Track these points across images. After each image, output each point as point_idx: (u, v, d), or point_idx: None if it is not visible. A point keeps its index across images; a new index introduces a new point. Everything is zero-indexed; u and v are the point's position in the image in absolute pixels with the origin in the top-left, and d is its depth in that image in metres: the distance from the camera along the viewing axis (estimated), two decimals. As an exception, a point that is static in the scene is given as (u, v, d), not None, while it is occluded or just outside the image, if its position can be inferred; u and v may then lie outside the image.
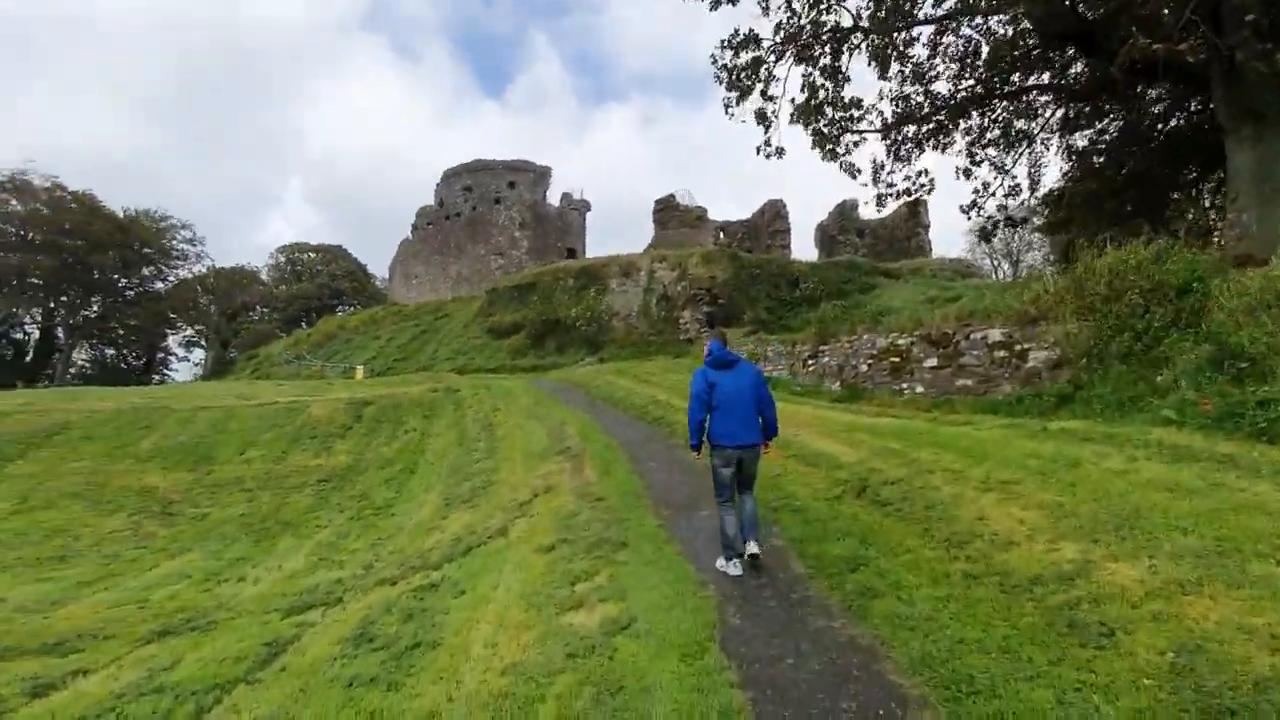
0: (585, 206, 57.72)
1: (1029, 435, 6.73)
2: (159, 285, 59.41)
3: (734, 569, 4.81)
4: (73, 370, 60.25)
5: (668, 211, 44.66)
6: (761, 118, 14.52)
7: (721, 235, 47.25)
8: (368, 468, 12.31)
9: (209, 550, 8.63)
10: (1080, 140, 19.24)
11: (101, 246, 50.47)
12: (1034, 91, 17.00)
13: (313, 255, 74.53)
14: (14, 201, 48.72)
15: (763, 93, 14.74)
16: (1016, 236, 61.07)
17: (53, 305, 55.05)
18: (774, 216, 44.83)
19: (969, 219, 18.21)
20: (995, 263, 60.72)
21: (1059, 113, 18.09)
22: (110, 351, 64.02)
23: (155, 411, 14.89)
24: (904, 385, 10.50)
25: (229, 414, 14.94)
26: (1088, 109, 17.80)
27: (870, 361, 11.43)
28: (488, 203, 49.20)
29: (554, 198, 54.98)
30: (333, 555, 7.72)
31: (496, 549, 6.68)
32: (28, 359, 56.94)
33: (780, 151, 14.77)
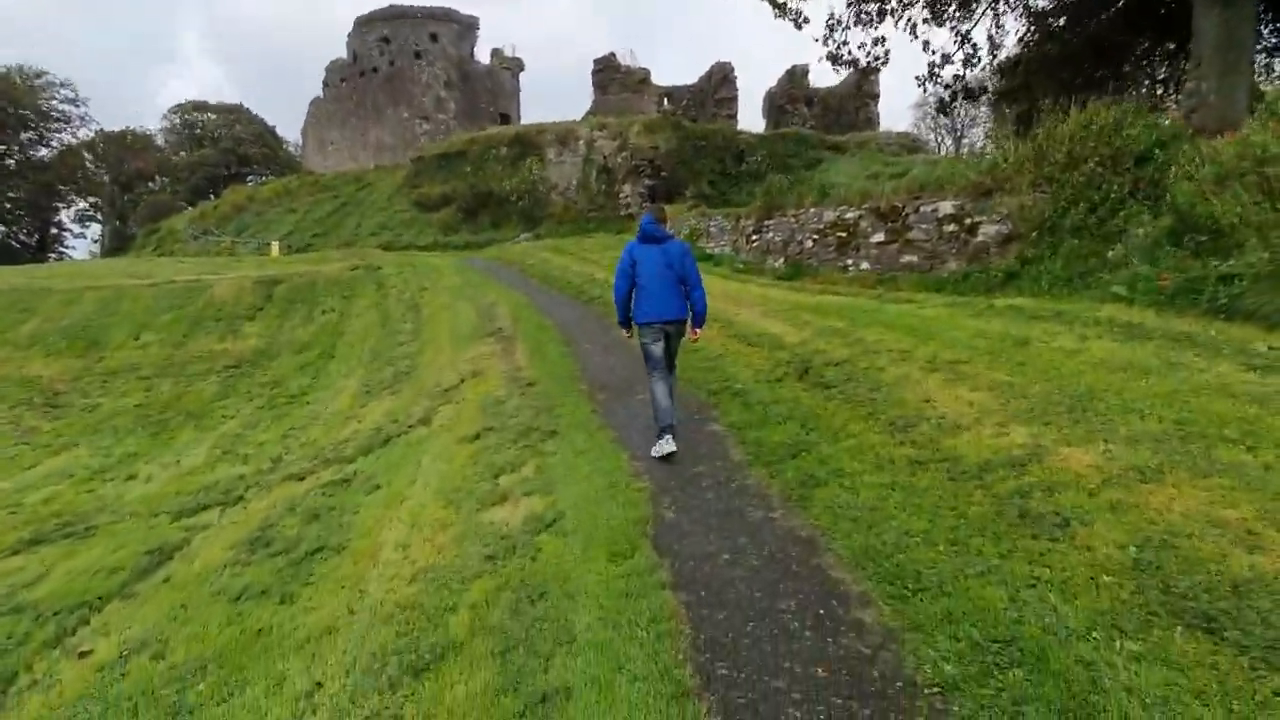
0: (518, 65, 52.76)
1: (975, 314, 6.51)
2: (42, 152, 52.29)
3: (668, 444, 4.60)
4: (-50, 248, 53.84)
5: (608, 73, 41.28)
6: None
7: (666, 102, 44.33)
8: (280, 352, 11.38)
9: (98, 445, 7.82)
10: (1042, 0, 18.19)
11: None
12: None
13: (213, 117, 66.48)
14: None
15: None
16: (962, 111, 60.30)
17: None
18: (721, 81, 42.14)
19: (924, 90, 17.27)
20: (939, 138, 60.11)
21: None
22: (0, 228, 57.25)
23: (35, 294, 13.16)
24: (850, 262, 10.14)
25: (120, 294, 13.36)
26: None
27: (816, 237, 10.96)
28: (407, 56, 44.19)
29: (483, 55, 49.92)
30: (237, 448, 7.09)
31: (417, 439, 6.20)
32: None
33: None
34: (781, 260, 11.72)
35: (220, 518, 4.96)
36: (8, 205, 52.46)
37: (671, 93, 45.17)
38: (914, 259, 9.04)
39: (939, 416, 4.29)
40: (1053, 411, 3.96)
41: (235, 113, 66.39)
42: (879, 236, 9.61)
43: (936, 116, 62.06)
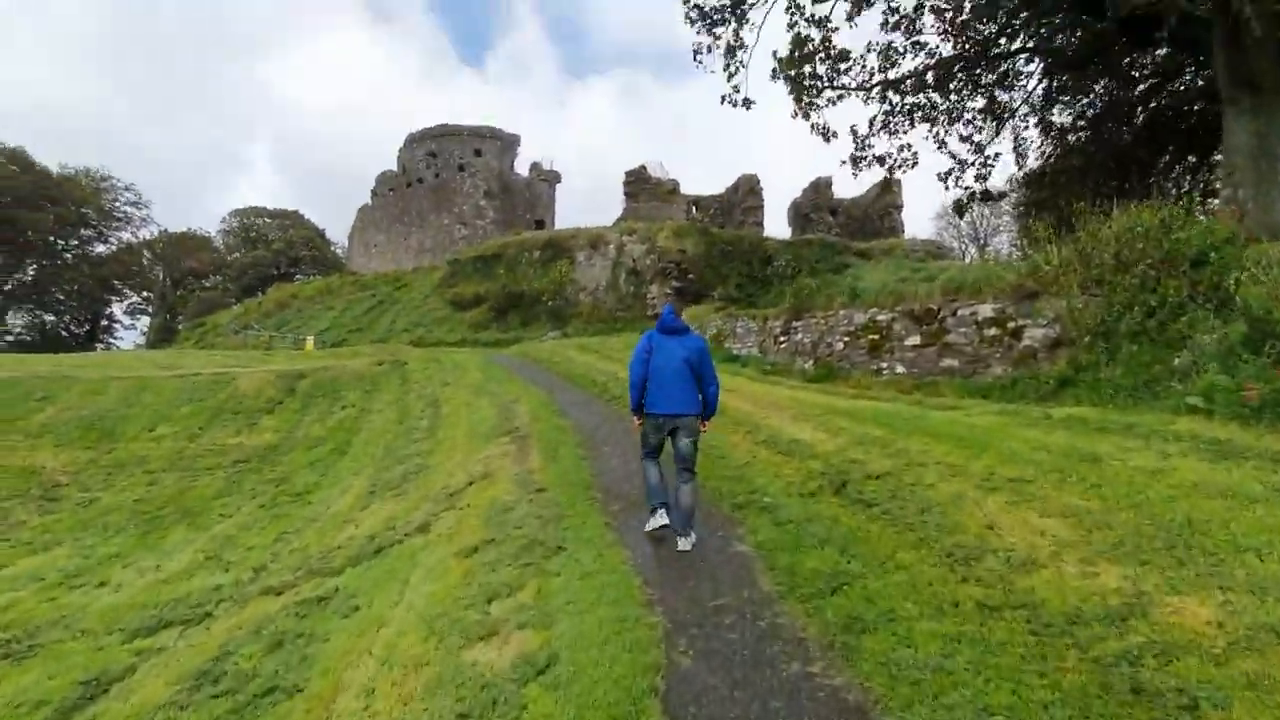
0: (555, 178, 55.91)
1: (1030, 423, 5.90)
2: (100, 249, 56.08)
3: (660, 518, 4.70)
4: (10, 337, 56.76)
5: (639, 184, 43.29)
6: (731, 54, 13.39)
7: (694, 210, 46.08)
8: (294, 448, 11.09)
9: (81, 545, 7.40)
10: (1064, 116, 18.64)
11: (34, 205, 47.11)
12: (1020, 57, 16.21)
13: (268, 220, 71.20)
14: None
15: (735, 34, 13.61)
16: (985, 219, 61.34)
17: (-19, 269, 51.48)
18: (748, 192, 43.79)
19: (946, 188, 17.46)
20: (963, 245, 61.01)
21: (1041, 85, 17.39)
22: (50, 318, 60.52)
23: (58, 381, 13.33)
24: (883, 365, 9.66)
25: (144, 385, 13.47)
26: (1070, 82, 17.12)
27: (847, 339, 10.57)
28: (452, 170, 47.14)
29: (523, 168, 53.08)
30: (224, 553, 6.60)
31: (411, 550, 5.64)
32: (-47, 324, 53.34)
33: (748, 103, 13.71)
34: (811, 362, 11.29)
35: (178, 639, 4.40)
36: (61, 296, 55.54)
37: (699, 201, 47.04)
38: (954, 363, 8.53)
39: (1007, 549, 3.63)
40: (1148, 548, 3.30)
41: (289, 217, 70.94)
42: (914, 340, 9.17)
43: (959, 224, 63.23)
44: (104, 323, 63.86)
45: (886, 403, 8.16)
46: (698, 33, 14.06)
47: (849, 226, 47.49)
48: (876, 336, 9.85)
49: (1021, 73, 16.74)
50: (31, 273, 53.39)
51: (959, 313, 8.56)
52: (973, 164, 16.32)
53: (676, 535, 4.65)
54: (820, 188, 46.47)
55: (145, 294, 60.28)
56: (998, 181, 18.66)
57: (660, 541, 4.90)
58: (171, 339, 46.12)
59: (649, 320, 26.93)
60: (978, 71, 15.94)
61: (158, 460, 10.35)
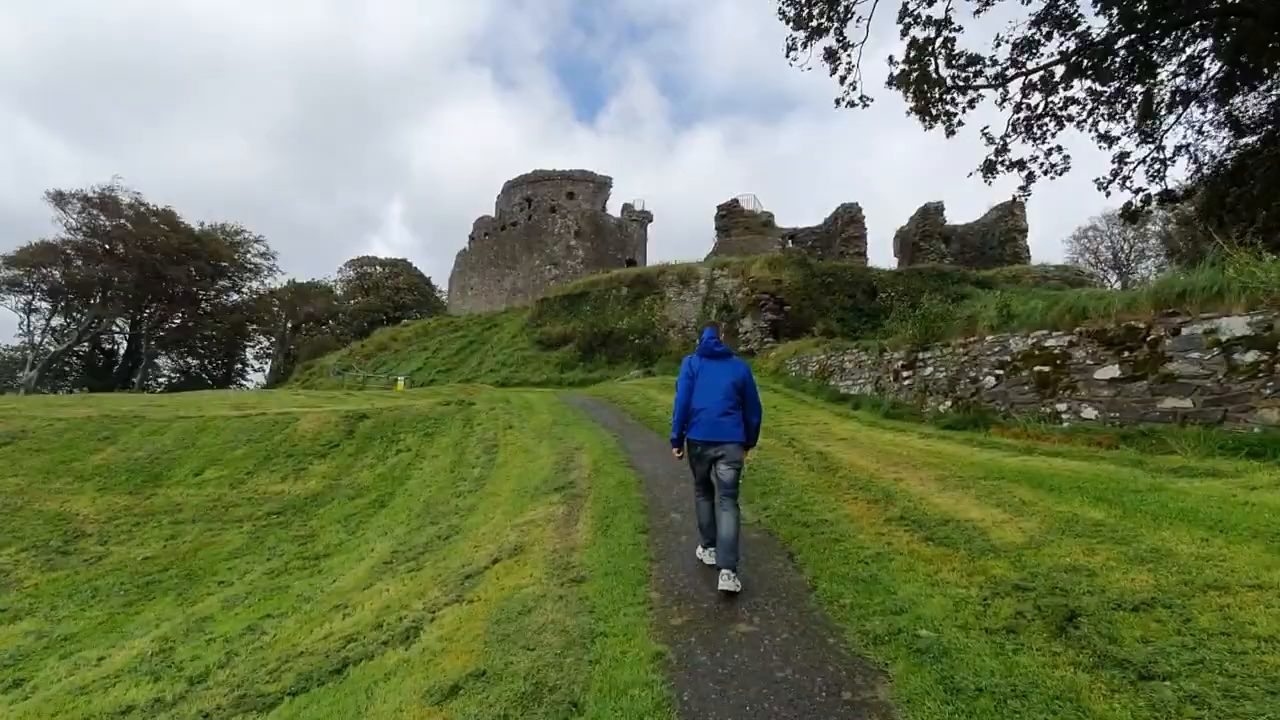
0: (647, 218, 55.46)
1: None
2: (234, 297, 61.21)
3: (709, 557, 4.63)
4: (161, 380, 62.87)
5: (731, 217, 41.56)
6: (831, 56, 11.42)
7: (789, 243, 43.66)
8: (335, 497, 9.84)
9: (52, 616, 6.25)
10: (1251, 101, 15.08)
11: (177, 259, 52.07)
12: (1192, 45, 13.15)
13: (380, 269, 75.74)
14: (102, 217, 50.92)
15: (839, 34, 11.66)
16: (1127, 243, 54.69)
17: (138, 317, 57.36)
18: (847, 221, 40.89)
19: (1106, 193, 14.38)
20: (1102, 272, 54.56)
21: (1217, 71, 14.11)
22: (193, 361, 66.67)
23: (125, 421, 13.07)
24: (1062, 408, 7.04)
25: (204, 426, 12.94)
26: (1251, 65, 13.76)
27: (1000, 373, 8.02)
28: (544, 212, 47.63)
29: (616, 209, 53.02)
30: (181, 646, 5.14)
31: (375, 676, 3.85)
32: (115, 368, 59.55)
33: (865, 100, 11.60)
34: (949, 404, 8.77)
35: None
36: (202, 342, 60.84)
37: (795, 235, 44.56)
38: (1182, 404, 5.86)
39: None
40: None
41: (398, 265, 75.08)
42: (1109, 371, 6.56)
43: (1096, 250, 56.76)
44: (238, 365, 69.68)
45: (1081, 462, 5.63)
46: (793, 27, 12.29)
47: (965, 255, 43.45)
48: (1047, 368, 7.27)
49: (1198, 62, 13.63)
50: (177, 321, 58.94)
51: (1185, 331, 5.92)
52: (1145, 160, 13.24)
53: (719, 571, 4.26)
54: (930, 213, 42.75)
55: (272, 339, 65.07)
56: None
57: (749, 695, 2.85)
58: (284, 380, 48.79)
59: (741, 356, 24.79)
60: (1144, 49, 13.02)
61: (191, 509, 9.40)
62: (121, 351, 60.57)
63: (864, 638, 3.41)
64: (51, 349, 52.02)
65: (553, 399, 16.25)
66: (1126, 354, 6.43)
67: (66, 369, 57.69)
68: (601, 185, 51.67)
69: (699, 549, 4.86)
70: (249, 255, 59.58)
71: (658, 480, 7.76)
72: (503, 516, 7.25)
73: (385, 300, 70.59)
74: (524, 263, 47.40)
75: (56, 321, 53.58)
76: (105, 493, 9.97)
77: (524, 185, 50.55)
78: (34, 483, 10.17)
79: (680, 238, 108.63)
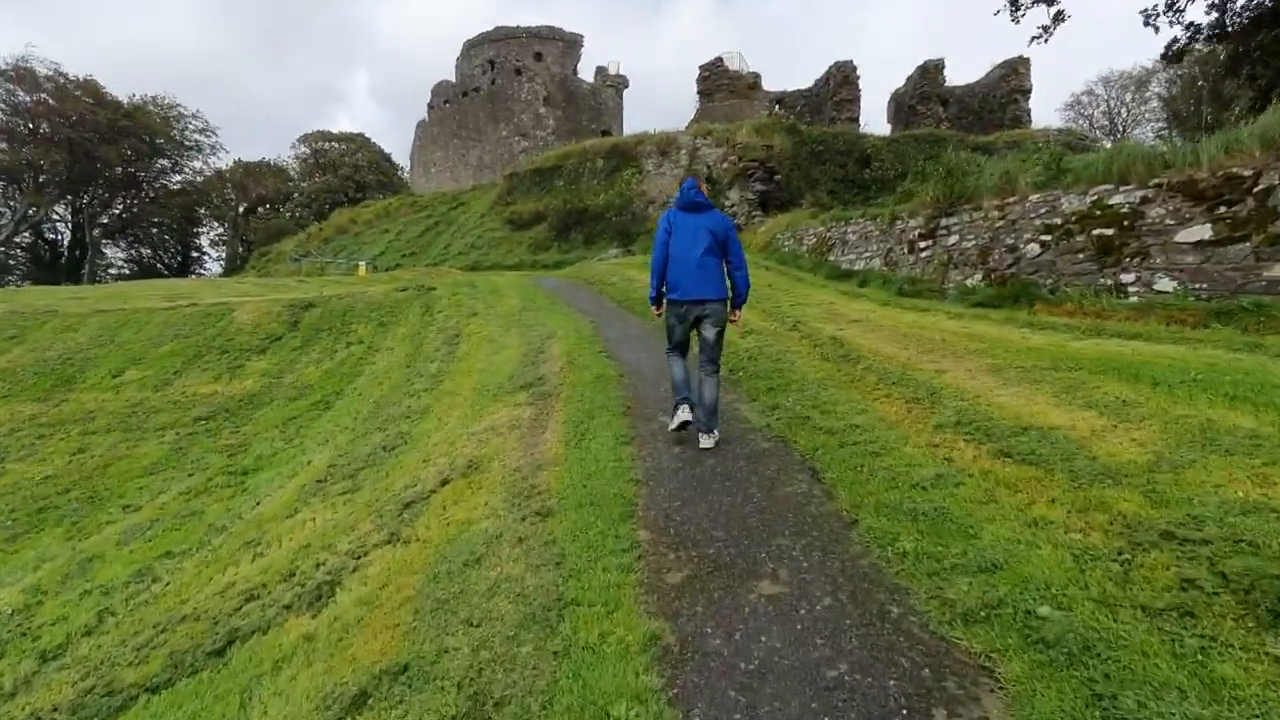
0: (622, 83, 50.93)
1: None
2: (176, 179, 56.54)
3: (682, 414, 4.29)
4: (112, 271, 59.16)
5: (715, 79, 37.99)
6: None
7: (777, 108, 40.30)
8: (274, 398, 8.64)
9: (-96, 560, 5.22)
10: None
11: (108, 138, 47.18)
12: None
13: (337, 145, 70.21)
14: (19, 91, 45.35)
15: None
16: (1123, 106, 52.02)
17: (78, 204, 52.91)
18: (841, 82, 37.57)
19: (1155, 31, 12.49)
20: (1098, 138, 52.22)
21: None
22: (146, 251, 62.62)
23: (37, 317, 11.45)
24: (1127, 278, 5.87)
25: (126, 320, 11.38)
26: None
27: (1046, 238, 6.75)
28: (508, 74, 43.21)
29: (588, 74, 48.39)
30: (55, 597, 4.09)
31: (264, 664, 2.80)
32: (62, 260, 55.77)
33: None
34: (979, 277, 7.55)
35: None
36: (154, 230, 56.94)
37: (783, 98, 41.05)
38: (1298, 271, 4.70)
39: None
40: None
41: (355, 141, 69.60)
42: (1198, 232, 5.32)
43: (1090, 115, 54.14)
44: (194, 254, 65.78)
45: (1174, 345, 4.52)
46: None
47: (962, 120, 40.70)
48: (1110, 231, 6.01)
49: None
50: (119, 207, 54.62)
51: (1311, 177, 4.64)
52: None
53: (700, 433, 4.26)
54: (929, 72, 39.40)
55: (224, 225, 61.10)
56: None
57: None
58: (242, 268, 46.13)
59: (728, 233, 23.21)
60: None
61: (106, 416, 8.17)
62: (66, 242, 56.55)
63: (945, 610, 2.37)
64: (-15, 240, 48.18)
65: (523, 282, 14.79)
66: (1223, 209, 5.16)
67: (11, 262, 53.93)
68: (571, 44, 46.72)
69: (673, 415, 4.45)
70: (187, 131, 54.27)
71: (641, 374, 6.62)
72: (459, 421, 6.12)
73: (344, 180, 66.00)
74: (490, 134, 43.65)
75: (-12, 211, 49.23)
76: (8, 400, 8.64)
77: (485, 45, 45.45)
78: (-79, 390, 8.76)
79: (662, 110, 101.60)
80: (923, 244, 8.76)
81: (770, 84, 42.73)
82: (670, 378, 4.57)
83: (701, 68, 38.54)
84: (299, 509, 4.98)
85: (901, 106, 40.65)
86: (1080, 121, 52.83)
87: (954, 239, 8.20)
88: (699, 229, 4.23)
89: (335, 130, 72.38)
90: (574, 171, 31.54)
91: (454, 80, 48.10)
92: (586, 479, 4.06)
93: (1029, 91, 41.48)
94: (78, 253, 54.41)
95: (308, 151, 72.05)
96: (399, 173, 70.00)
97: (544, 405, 5.91)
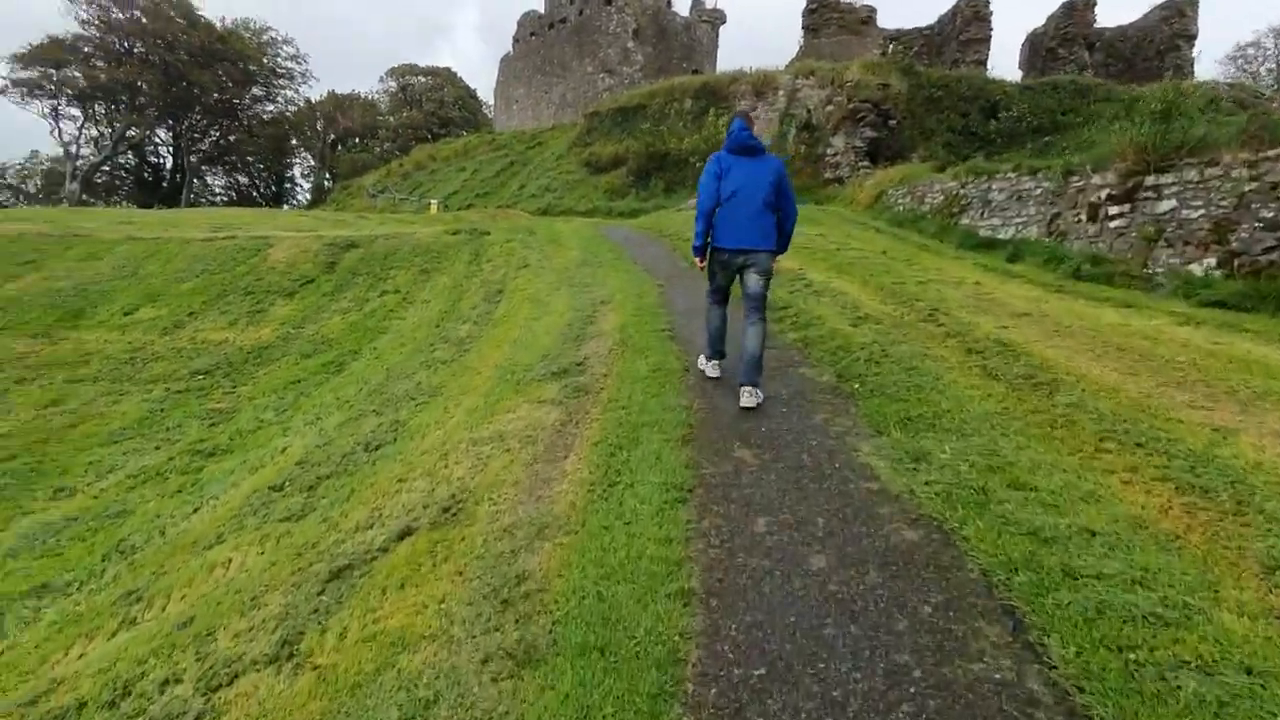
0: (719, 18, 47.19)
1: None
2: (270, 108, 57.58)
3: (713, 370, 4.36)
4: (213, 198, 61.72)
5: (823, 12, 34.08)
6: None
7: (892, 48, 35.95)
8: (286, 353, 7.47)
9: None
10: None
11: (202, 62, 48.07)
12: None
13: (423, 80, 69.77)
14: (114, 8, 46.56)
15: None
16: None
17: (178, 129, 54.80)
18: (971, 18, 32.81)
19: None
20: (1269, 94, 44.51)
21: None
22: (243, 179, 64.93)
23: (58, 242, 10.78)
24: None
25: (154, 251, 10.54)
26: None
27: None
28: (597, 5, 40.52)
29: (683, 8, 45.00)
30: None
31: None
32: (164, 184, 58.43)
33: None
34: (1213, 262, 5.25)
35: None
36: (250, 159, 58.56)
37: (899, 36, 36.51)
38: None
39: None
40: None
41: (441, 75, 68.88)
42: None
43: (1256, 69, 46.34)
44: (288, 185, 67.73)
45: None
46: None
47: (1109, 67, 35.11)
48: None
49: None
50: (215, 134, 56.27)
51: None
52: None
53: (740, 387, 3.94)
54: (1076, 9, 33.83)
55: (314, 155, 62.23)
56: None
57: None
58: (322, 200, 46.65)
59: (826, 184, 20.55)
60: None
61: (100, 361, 7.24)
62: (168, 167, 59.07)
63: None
64: (92, 160, 50.62)
65: (588, 231, 13.09)
66: None
67: (117, 183, 56.86)
68: (666, -27, 43.35)
69: (701, 359, 4.49)
70: (279, 58, 54.77)
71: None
72: (465, 416, 4.59)
73: (429, 115, 65.72)
74: (574, 70, 41.44)
75: (93, 132, 51.54)
76: (7, 333, 7.90)
77: (575, -27, 42.80)
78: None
79: (762, 50, 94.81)
80: (1114, 210, 6.40)
81: (886, 20, 38.21)
82: (706, 324, 4.40)
83: (809, 0, 34.61)
84: (225, 536, 3.61)
85: (1038, 49, 35.36)
86: (1243, 77, 45.10)
87: (1167, 205, 5.83)
88: (759, 178, 3.97)
89: (423, 65, 71.60)
90: (659, 112, 29.19)
91: (542, 11, 45.83)
92: (606, 577, 2.41)
93: (1194, 37, 35.11)
94: (178, 177, 56.68)
95: (395, 86, 72.06)
96: (484, 108, 69.05)
97: (576, 407, 4.28)
